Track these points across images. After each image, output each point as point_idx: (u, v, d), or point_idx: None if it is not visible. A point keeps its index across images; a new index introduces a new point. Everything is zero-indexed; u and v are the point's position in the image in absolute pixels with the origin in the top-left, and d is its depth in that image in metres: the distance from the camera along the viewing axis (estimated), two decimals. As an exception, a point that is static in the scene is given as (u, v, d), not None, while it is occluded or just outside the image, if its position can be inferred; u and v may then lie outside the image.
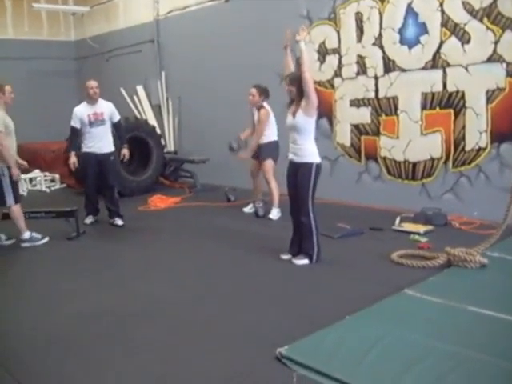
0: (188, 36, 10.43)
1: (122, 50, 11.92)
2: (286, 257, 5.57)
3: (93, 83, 7.24)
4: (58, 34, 13.66)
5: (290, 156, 5.45)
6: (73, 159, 7.19)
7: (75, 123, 7.21)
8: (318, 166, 5.35)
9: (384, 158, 7.71)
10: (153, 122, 10.95)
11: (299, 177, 5.34)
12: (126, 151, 7.52)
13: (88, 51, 13.05)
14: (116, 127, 7.50)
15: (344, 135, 8.14)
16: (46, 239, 6.66)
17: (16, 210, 6.46)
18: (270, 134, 7.42)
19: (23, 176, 10.08)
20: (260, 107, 7.36)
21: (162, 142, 10.51)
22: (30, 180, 10.88)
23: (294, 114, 5.38)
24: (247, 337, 3.87)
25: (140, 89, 11.48)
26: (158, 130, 10.59)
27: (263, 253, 5.89)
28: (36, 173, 10.90)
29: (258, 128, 7.35)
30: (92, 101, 7.24)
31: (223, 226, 7.21)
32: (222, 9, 9.64)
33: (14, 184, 6.40)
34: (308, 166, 5.31)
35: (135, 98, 11.49)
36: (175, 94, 10.93)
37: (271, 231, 6.86)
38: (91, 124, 7.17)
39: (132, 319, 4.26)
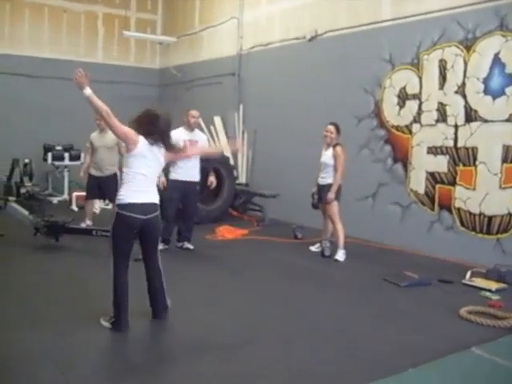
0: (269, 72, 10.61)
1: (203, 80, 12.24)
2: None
3: (195, 113, 7.47)
4: (143, 61, 14.19)
5: None
6: (162, 179, 7.31)
7: None
8: None
9: (458, 209, 7.51)
10: (227, 153, 11.11)
11: None
12: (213, 178, 7.80)
13: (170, 79, 13.47)
14: (205, 158, 7.56)
15: (418, 182, 8.00)
16: None
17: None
18: (332, 175, 7.37)
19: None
20: (336, 145, 7.35)
21: (235, 173, 10.65)
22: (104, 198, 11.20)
23: None
24: (305, 376, 3.82)
25: (217, 119, 11.71)
26: (232, 162, 10.74)
27: (326, 293, 5.87)
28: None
29: (340, 167, 7.28)
30: (190, 129, 7.47)
31: (289, 262, 7.21)
32: (305, 47, 9.77)
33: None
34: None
35: (212, 128, 11.72)
36: (251, 127, 11.09)
37: (337, 272, 6.81)
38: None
39: (187, 347, 4.32)
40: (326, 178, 7.42)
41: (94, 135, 8.40)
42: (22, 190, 10.15)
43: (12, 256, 6.94)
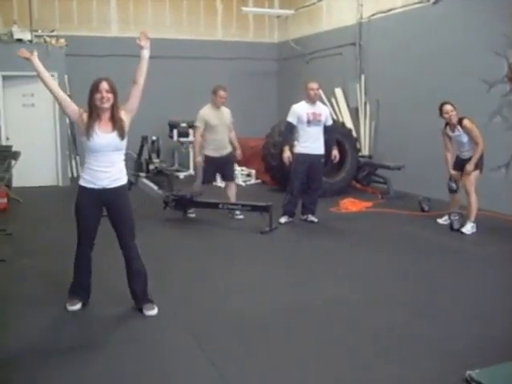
0: (391, 39, 10.25)
1: (322, 52, 12.07)
2: None
3: (314, 85, 7.38)
4: (262, 35, 14.22)
5: None
6: (287, 153, 7.35)
7: (292, 119, 7.36)
8: None
9: None
10: (349, 124, 10.96)
11: None
12: (336, 152, 7.66)
13: (289, 53, 13.41)
14: (328, 130, 7.55)
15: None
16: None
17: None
18: (471, 147, 7.03)
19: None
20: (460, 120, 6.97)
21: (358, 145, 10.47)
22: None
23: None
24: (432, 351, 3.72)
25: (338, 91, 11.54)
26: (354, 133, 10.56)
27: (452, 267, 5.69)
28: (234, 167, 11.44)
29: (479, 139, 6.90)
30: (312, 101, 7.41)
31: (415, 235, 7.01)
32: (429, 11, 9.30)
33: (203, 169, 7.68)
34: None
35: (333, 100, 11.58)
36: (374, 97, 10.80)
37: (467, 246, 6.54)
38: (309, 123, 7.31)
39: (313, 316, 4.36)
40: (469, 151, 7.08)
41: (209, 112, 7.68)
42: (151, 166, 10.58)
43: (143, 228, 7.22)
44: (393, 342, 3.90)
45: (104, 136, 4.13)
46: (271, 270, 5.61)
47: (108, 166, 4.20)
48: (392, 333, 4.05)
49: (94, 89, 4.12)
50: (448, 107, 7.00)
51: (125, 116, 4.27)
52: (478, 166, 7.01)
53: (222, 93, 7.59)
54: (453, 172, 7.29)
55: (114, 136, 4.15)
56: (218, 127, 7.63)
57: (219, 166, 7.86)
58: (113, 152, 4.20)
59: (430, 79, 9.23)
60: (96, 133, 4.12)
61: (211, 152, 7.69)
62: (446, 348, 3.78)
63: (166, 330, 4.12)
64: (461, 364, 3.40)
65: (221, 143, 7.73)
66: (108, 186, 4.22)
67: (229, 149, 7.87)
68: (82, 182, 4.28)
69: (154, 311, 4.40)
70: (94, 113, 4.15)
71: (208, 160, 7.66)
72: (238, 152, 8.01)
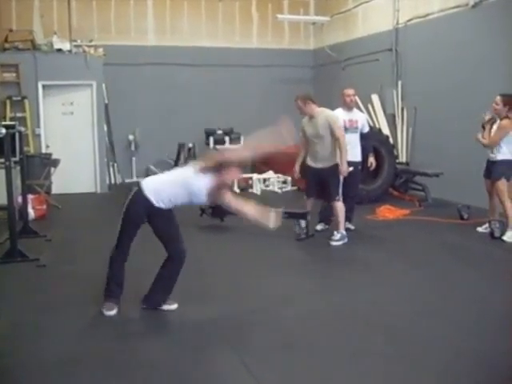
0: (428, 45, 10.12)
1: (358, 58, 11.98)
2: None
3: (350, 91, 7.39)
4: (297, 43, 14.20)
5: None
6: None
7: None
8: None
9: None
10: (386, 131, 10.86)
11: None
12: (373, 160, 7.69)
13: (325, 59, 13.36)
14: (364, 137, 7.52)
15: None
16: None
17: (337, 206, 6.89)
18: (506, 151, 6.92)
19: (258, 176, 10.75)
20: (504, 117, 6.87)
21: (395, 152, 10.37)
22: (264, 180, 11.47)
23: None
24: (472, 366, 3.64)
25: (375, 97, 11.45)
26: (391, 140, 10.46)
27: (494, 276, 5.58)
28: (270, 174, 11.45)
29: (493, 138, 6.90)
30: (348, 108, 7.40)
31: (454, 244, 6.91)
32: (468, 15, 9.15)
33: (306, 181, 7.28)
34: None
35: (369, 106, 11.49)
36: (411, 104, 10.68)
37: (505, 254, 6.40)
38: (346, 130, 7.21)
39: (354, 328, 4.31)
40: (496, 153, 6.97)
41: (305, 121, 7.08)
42: (187, 174, 10.63)
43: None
44: (433, 354, 3.79)
45: None
46: (308, 278, 5.59)
47: None
48: (433, 344, 3.95)
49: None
50: (496, 98, 6.92)
51: None
52: (505, 173, 6.92)
53: (298, 103, 7.02)
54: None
55: None
56: (310, 137, 6.92)
57: (319, 181, 6.99)
58: None
59: (469, 85, 9.08)
60: None
61: (309, 161, 7.05)
62: (495, 363, 3.68)
63: (203, 337, 4.11)
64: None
65: (316, 154, 6.90)
66: None
67: (327, 162, 6.83)
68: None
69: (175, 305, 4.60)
70: None
71: (306, 169, 7.09)
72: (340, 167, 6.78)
